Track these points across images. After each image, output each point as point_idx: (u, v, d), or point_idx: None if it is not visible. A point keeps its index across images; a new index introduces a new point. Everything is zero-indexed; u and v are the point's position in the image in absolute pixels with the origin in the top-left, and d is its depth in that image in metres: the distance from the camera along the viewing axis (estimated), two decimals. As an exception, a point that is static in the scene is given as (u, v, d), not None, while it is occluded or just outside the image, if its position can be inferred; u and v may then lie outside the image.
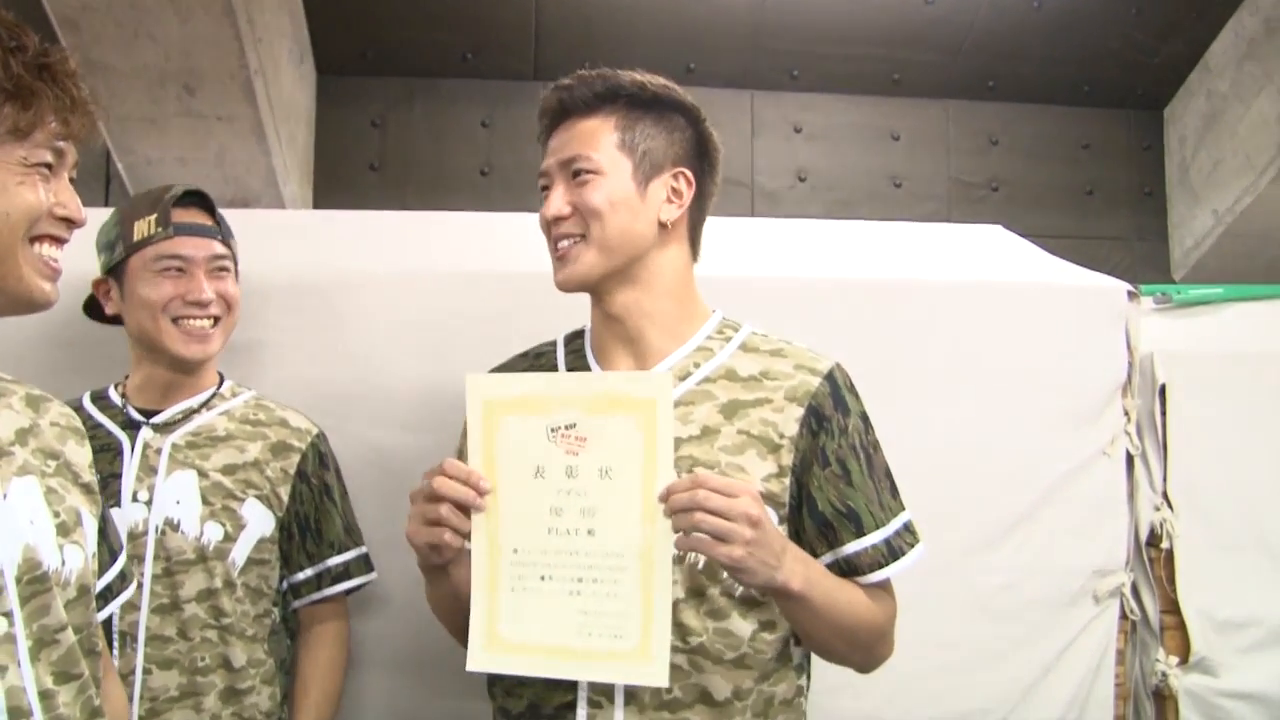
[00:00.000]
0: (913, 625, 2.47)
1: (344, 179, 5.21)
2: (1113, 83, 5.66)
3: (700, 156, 1.82)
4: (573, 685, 1.64)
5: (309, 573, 2.16)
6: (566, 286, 1.76)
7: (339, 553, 2.18)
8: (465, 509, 1.56)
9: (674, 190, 1.77)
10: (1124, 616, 2.68)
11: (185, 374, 2.13)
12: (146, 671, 1.97)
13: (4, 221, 1.32)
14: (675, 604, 1.63)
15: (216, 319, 2.09)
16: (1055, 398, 2.61)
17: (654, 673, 1.52)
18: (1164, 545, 2.69)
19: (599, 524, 1.54)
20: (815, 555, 1.71)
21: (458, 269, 2.50)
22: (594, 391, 1.57)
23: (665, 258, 1.78)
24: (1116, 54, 5.47)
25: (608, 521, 1.54)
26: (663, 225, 1.76)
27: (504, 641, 1.57)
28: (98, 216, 2.14)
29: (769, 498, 1.68)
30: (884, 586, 1.77)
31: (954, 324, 2.59)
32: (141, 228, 2.06)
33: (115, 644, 1.94)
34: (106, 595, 1.58)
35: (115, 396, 2.15)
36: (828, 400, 1.74)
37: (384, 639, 2.38)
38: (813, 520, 1.72)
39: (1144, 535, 2.70)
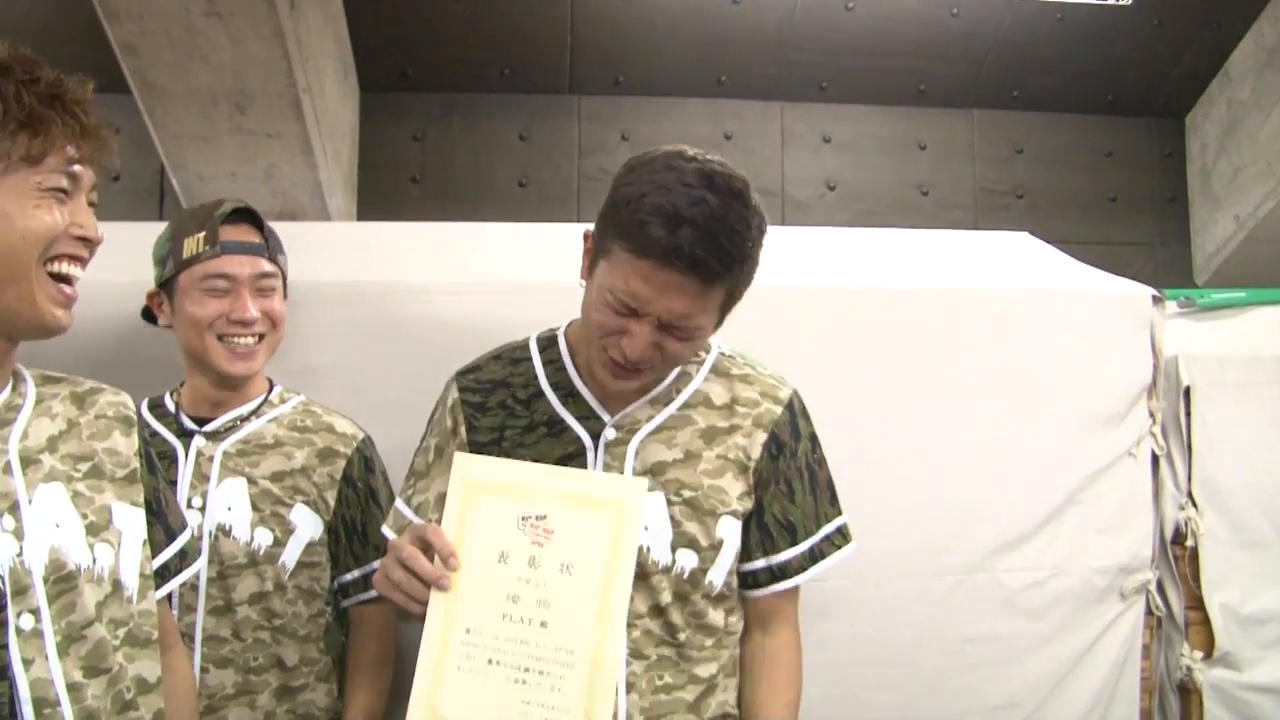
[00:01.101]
0: (943, 622, 2.57)
1: (386, 192, 5.27)
2: (1135, 92, 5.68)
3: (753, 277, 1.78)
4: None
5: (356, 574, 2.20)
6: (618, 393, 1.80)
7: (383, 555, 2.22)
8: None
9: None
10: (1149, 613, 2.73)
11: (230, 388, 2.17)
12: (203, 670, 2.03)
13: (20, 242, 1.38)
14: (664, 608, 1.78)
15: (261, 336, 2.13)
16: (1082, 400, 2.66)
17: None
18: (1188, 543, 2.73)
19: (553, 617, 1.57)
20: (751, 559, 1.88)
21: (502, 279, 2.55)
22: (569, 488, 1.61)
23: None
24: (1138, 64, 5.50)
25: (562, 616, 1.57)
26: None
27: (441, 716, 1.58)
28: (153, 230, 2.21)
29: (740, 514, 1.85)
30: (794, 592, 1.93)
31: (983, 329, 2.64)
32: (190, 245, 2.09)
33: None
34: (164, 574, 1.65)
35: (170, 404, 2.19)
36: (786, 427, 1.89)
37: None
38: (757, 529, 1.87)
39: (1169, 534, 2.75)
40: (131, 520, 1.56)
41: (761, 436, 1.86)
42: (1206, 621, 2.73)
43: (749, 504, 1.86)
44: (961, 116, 5.70)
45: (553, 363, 1.90)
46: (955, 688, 2.61)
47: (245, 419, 2.18)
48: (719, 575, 1.83)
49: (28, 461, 1.45)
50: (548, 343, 1.94)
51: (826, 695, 2.52)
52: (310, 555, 2.14)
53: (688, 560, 1.79)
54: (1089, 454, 2.68)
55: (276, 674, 2.10)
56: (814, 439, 1.95)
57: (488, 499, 1.61)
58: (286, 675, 2.10)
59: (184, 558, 1.70)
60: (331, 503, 2.17)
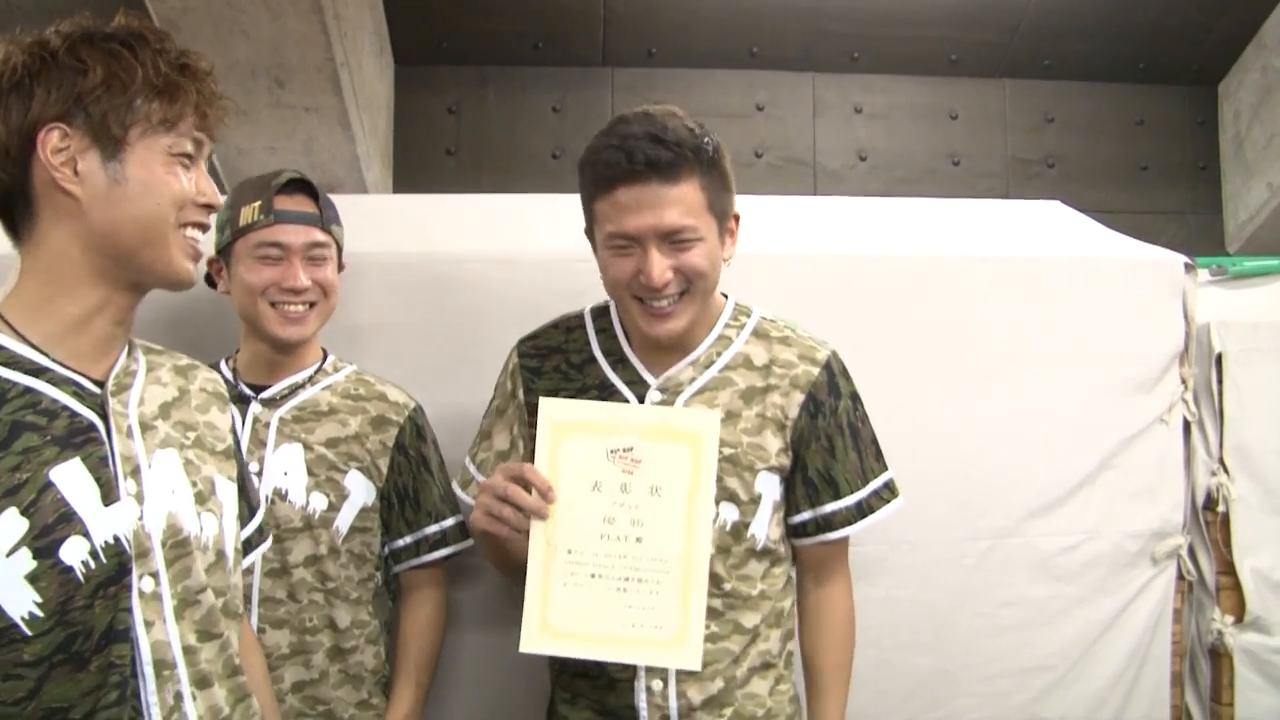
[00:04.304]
0: (978, 586, 2.61)
1: (422, 164, 5.31)
2: (1167, 59, 5.65)
3: (732, 191, 1.97)
4: None
5: (408, 539, 2.25)
6: (669, 340, 1.93)
7: (436, 521, 2.25)
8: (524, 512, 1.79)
9: (730, 232, 1.96)
10: (1181, 577, 2.76)
11: (284, 353, 2.21)
12: (260, 630, 2.09)
13: (156, 210, 1.44)
14: (709, 559, 1.86)
15: (313, 304, 2.17)
16: (1115, 367, 2.68)
17: (689, 658, 1.79)
18: (1220, 509, 2.75)
19: (647, 533, 1.78)
20: (799, 511, 2.03)
21: (542, 250, 2.58)
22: (652, 422, 1.82)
23: None
24: (1171, 31, 5.46)
25: (655, 531, 1.78)
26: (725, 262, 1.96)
27: (554, 628, 1.79)
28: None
29: (777, 470, 1.99)
30: (843, 543, 2.09)
31: (1018, 297, 2.67)
32: (247, 214, 2.14)
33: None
34: (246, 546, 1.72)
35: (227, 371, 2.24)
36: (824, 388, 2.01)
37: (481, 603, 2.47)
38: (802, 484, 2.01)
39: (1200, 499, 2.77)
40: (229, 493, 1.63)
41: (799, 397, 1.98)
42: (1237, 586, 2.75)
43: (787, 460, 1.98)
44: (993, 86, 5.68)
45: (604, 331, 2.05)
46: (989, 650, 2.64)
47: (301, 386, 2.23)
48: (760, 528, 1.96)
49: (145, 426, 1.51)
50: (600, 313, 2.09)
51: (862, 658, 2.54)
52: (363, 520, 2.20)
53: (730, 513, 1.93)
54: (1122, 420, 2.70)
55: (329, 635, 2.15)
56: (855, 397, 2.07)
57: (575, 437, 1.80)
58: (339, 636, 2.15)
59: (261, 533, 1.79)
60: (384, 470, 2.22)
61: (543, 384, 2.03)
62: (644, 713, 1.92)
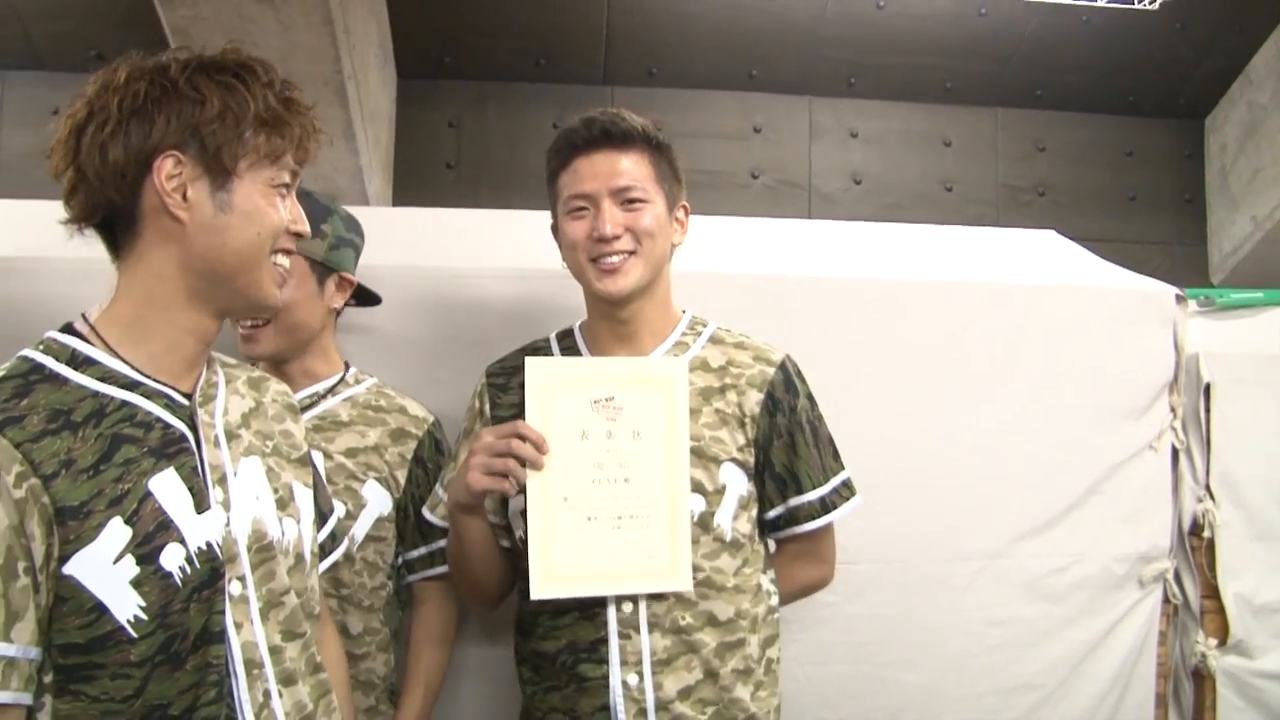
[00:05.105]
0: (968, 605, 2.63)
1: (422, 177, 5.34)
2: (1156, 93, 5.73)
3: (682, 185, 2.10)
4: (605, 622, 1.95)
5: (422, 551, 2.25)
6: (619, 296, 2.00)
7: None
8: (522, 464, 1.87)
9: (678, 220, 2.09)
10: (1166, 600, 2.79)
11: (269, 369, 2.19)
12: None
13: (255, 240, 1.49)
14: None
15: (265, 322, 2.18)
16: (1106, 394, 2.71)
17: (680, 581, 1.91)
18: (1205, 534, 2.78)
19: (634, 473, 1.90)
20: (771, 506, 2.08)
21: (540, 265, 2.50)
22: (628, 372, 1.93)
23: (666, 274, 2.08)
24: (1160, 66, 5.54)
25: (640, 471, 1.90)
26: (673, 248, 2.08)
27: (559, 572, 1.88)
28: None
29: (741, 464, 2.03)
30: (824, 532, 2.15)
31: (1013, 323, 2.70)
32: None
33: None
34: (319, 552, 1.76)
35: None
36: (781, 386, 2.08)
37: (488, 616, 2.44)
38: (771, 480, 2.07)
39: (1187, 525, 2.80)
40: (305, 499, 1.69)
41: (757, 395, 2.06)
42: (1221, 610, 2.78)
43: (750, 457, 2.05)
44: (986, 114, 5.75)
45: (569, 349, 2.13)
46: (978, 668, 2.66)
47: (322, 396, 2.25)
48: (725, 519, 2.01)
49: (230, 436, 1.56)
50: (564, 334, 2.17)
51: (853, 674, 2.60)
52: (378, 530, 2.21)
53: (696, 504, 1.98)
54: (1111, 446, 2.73)
55: (342, 641, 2.13)
56: (811, 398, 2.14)
57: (561, 392, 1.90)
58: (351, 643, 2.17)
59: (334, 539, 1.84)
60: (402, 481, 2.24)
61: (508, 398, 2.08)
62: (620, 708, 1.93)
